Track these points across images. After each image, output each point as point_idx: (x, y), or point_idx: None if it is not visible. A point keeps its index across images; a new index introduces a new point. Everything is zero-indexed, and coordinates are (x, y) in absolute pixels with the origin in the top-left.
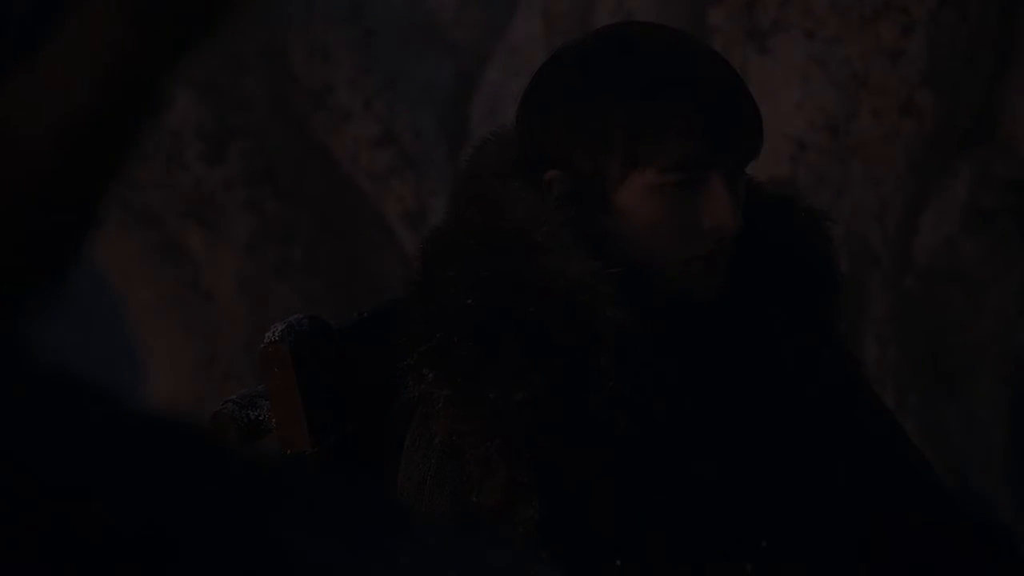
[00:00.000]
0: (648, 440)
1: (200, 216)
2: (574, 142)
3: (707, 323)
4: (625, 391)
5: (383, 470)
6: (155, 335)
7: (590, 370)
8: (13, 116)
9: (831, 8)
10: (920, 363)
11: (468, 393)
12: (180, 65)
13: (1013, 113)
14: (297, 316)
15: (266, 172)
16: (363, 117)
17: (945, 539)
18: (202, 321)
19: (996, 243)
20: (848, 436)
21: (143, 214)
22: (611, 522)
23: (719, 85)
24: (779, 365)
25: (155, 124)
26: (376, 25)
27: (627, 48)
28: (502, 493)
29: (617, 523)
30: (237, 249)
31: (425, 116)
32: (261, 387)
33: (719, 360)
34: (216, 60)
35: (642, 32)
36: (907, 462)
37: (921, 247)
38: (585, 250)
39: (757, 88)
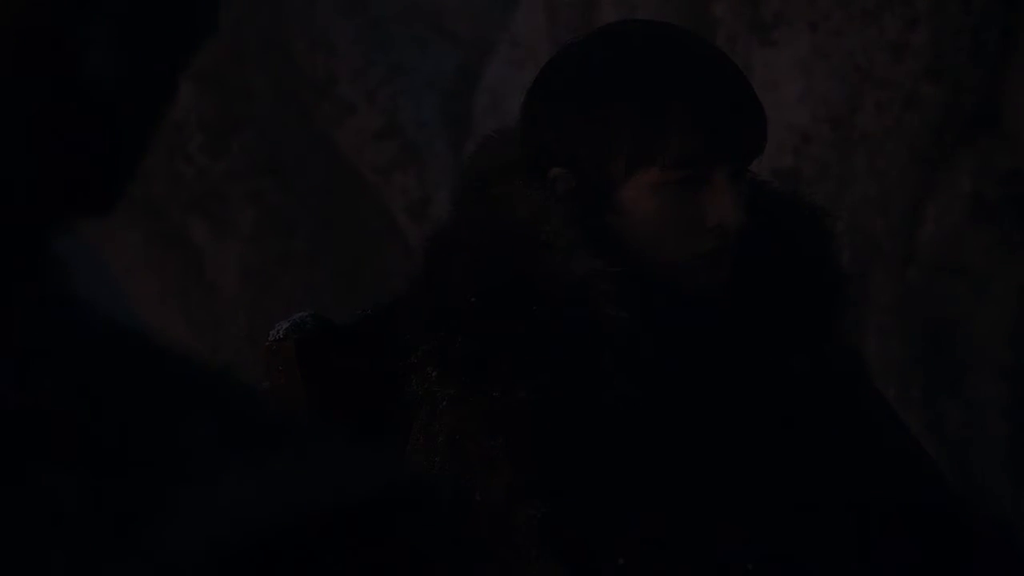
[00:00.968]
0: (651, 438)
1: (203, 207)
2: (578, 140)
3: (710, 319)
4: (629, 390)
5: None
6: (159, 326)
7: (594, 369)
8: None
9: (835, 1)
10: (923, 355)
11: (471, 392)
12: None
13: (1017, 105)
14: (301, 314)
15: (269, 164)
16: (367, 109)
17: (947, 536)
18: (205, 312)
19: (999, 235)
20: (850, 433)
21: (146, 205)
22: (614, 521)
23: (723, 83)
24: (782, 362)
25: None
26: (379, 17)
27: (631, 46)
28: (505, 492)
29: (620, 522)
30: (240, 240)
31: (428, 108)
32: (265, 384)
33: (722, 357)
34: (219, 52)
35: (646, 30)
36: (909, 458)
37: (924, 239)
38: (589, 248)
39: (760, 80)
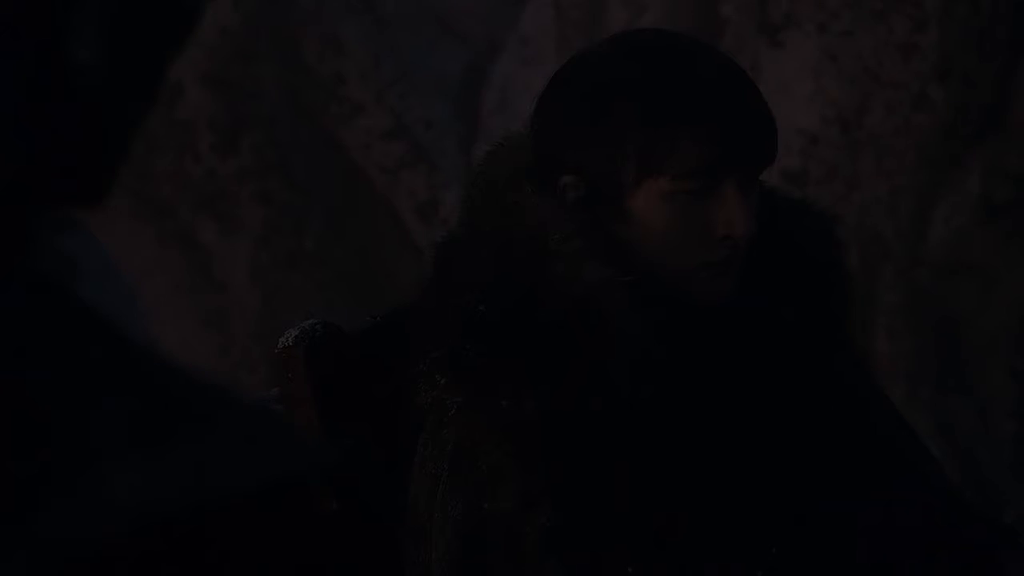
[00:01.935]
0: (660, 447)
1: (212, 207)
2: (588, 148)
3: (718, 327)
4: (637, 399)
5: (396, 475)
6: (168, 325)
7: (602, 378)
8: None
9: (843, 2)
10: (931, 356)
11: (480, 400)
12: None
13: None
14: (311, 321)
15: (278, 163)
16: (375, 109)
17: (951, 541)
18: (214, 311)
19: (1008, 235)
20: (857, 438)
21: (156, 205)
22: (623, 530)
23: (735, 94)
24: (790, 369)
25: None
26: (387, 16)
27: (643, 54)
28: (514, 500)
29: (629, 531)
30: (249, 239)
31: (437, 108)
32: (275, 391)
33: (731, 364)
34: (228, 52)
35: (657, 38)
36: (915, 464)
37: (933, 240)
38: (598, 256)
39: (769, 81)
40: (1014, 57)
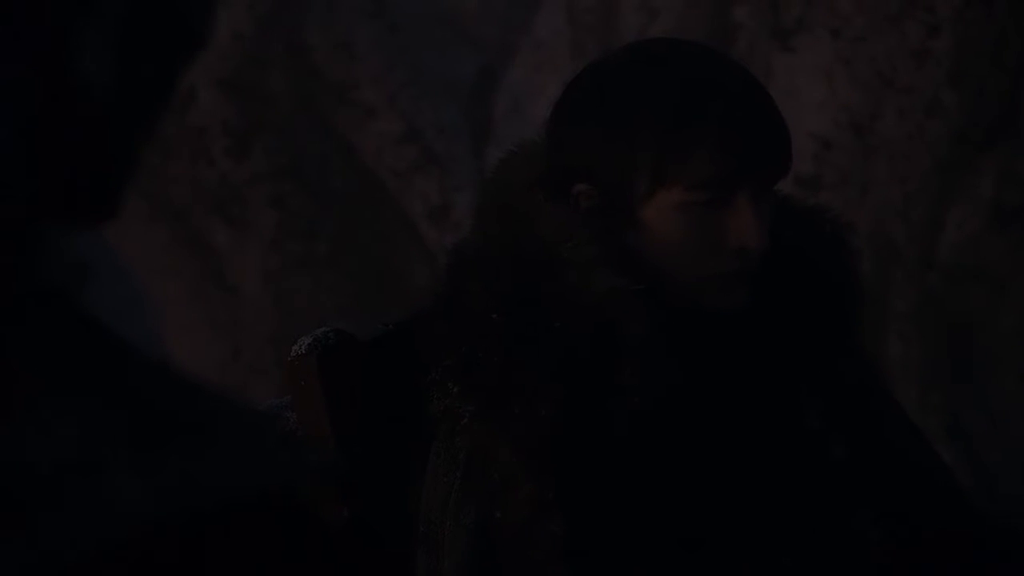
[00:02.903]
0: (671, 455)
1: (225, 210)
2: (602, 156)
3: (730, 336)
4: (649, 407)
5: (407, 483)
6: (180, 328)
7: (615, 386)
8: None
9: (856, 7)
10: (943, 360)
11: (493, 408)
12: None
13: None
14: (324, 329)
15: (291, 168)
16: (387, 113)
17: (963, 549)
18: (227, 315)
19: (1020, 240)
20: (869, 448)
21: (169, 209)
22: (635, 539)
23: (749, 106)
24: (801, 377)
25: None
26: (400, 20)
27: (659, 64)
28: (526, 509)
29: (641, 540)
30: (262, 244)
31: (449, 112)
32: (287, 398)
33: (741, 374)
34: (241, 57)
35: (673, 48)
36: (928, 473)
37: (945, 245)
38: (611, 265)
39: (781, 87)
40: None
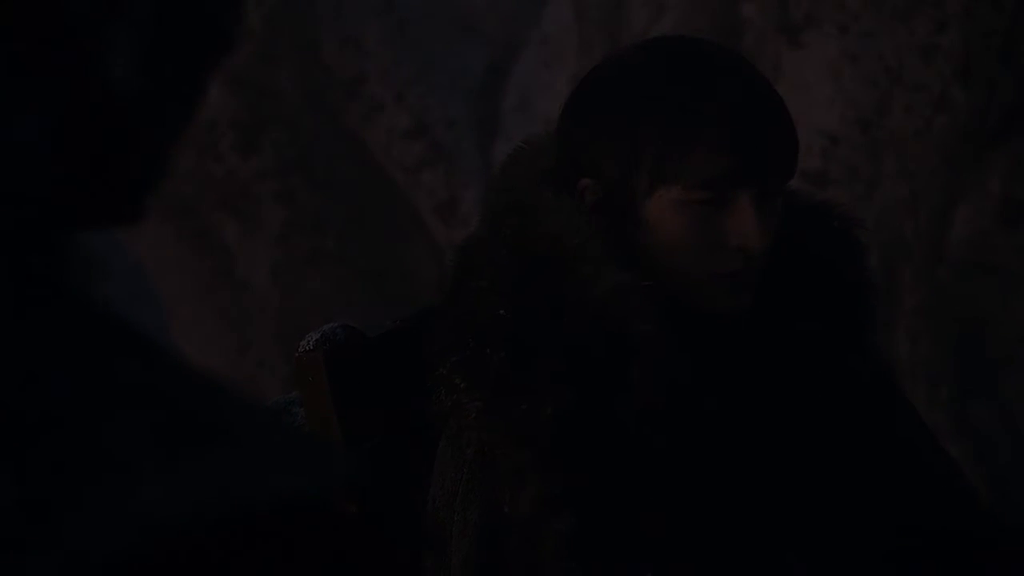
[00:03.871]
0: (679, 453)
1: (233, 206)
2: (606, 152)
3: (737, 335)
4: (656, 403)
5: (415, 479)
6: (188, 323)
7: (622, 382)
8: None
9: (864, 3)
10: (952, 356)
11: (500, 404)
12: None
13: None
14: (332, 325)
15: (299, 163)
16: (395, 108)
17: (974, 550)
18: (235, 309)
19: None
20: (880, 447)
21: (177, 204)
22: (642, 536)
23: (754, 106)
24: (811, 376)
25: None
26: (408, 16)
27: (667, 62)
28: (534, 505)
29: (648, 535)
30: (270, 239)
31: (457, 107)
32: (295, 394)
33: (750, 372)
34: (249, 52)
35: (684, 46)
36: (939, 473)
37: (954, 241)
38: (618, 261)
39: (789, 82)
40: None
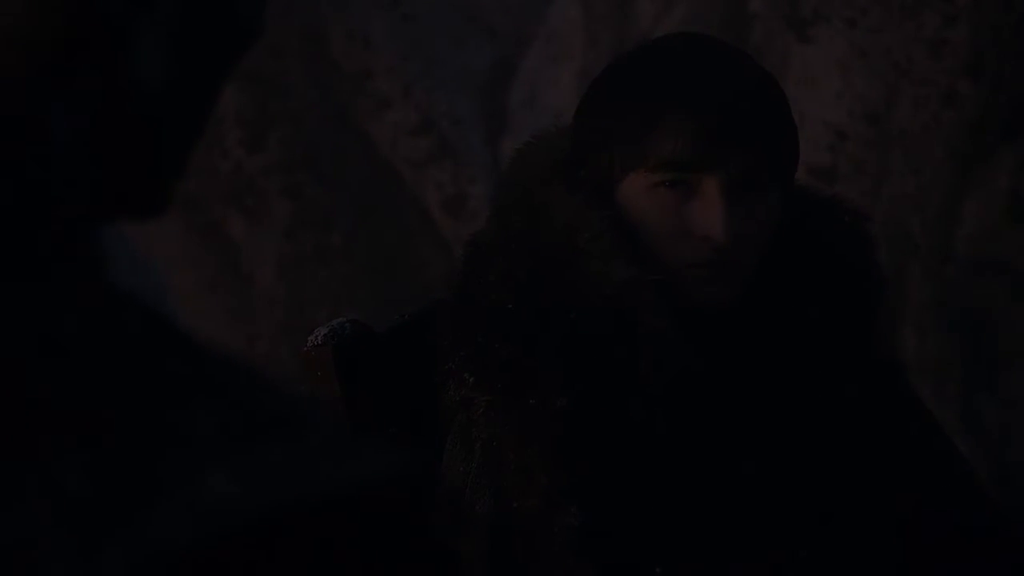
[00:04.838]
0: (687, 447)
1: (240, 201)
2: (592, 142)
3: (740, 327)
4: (667, 397)
5: None
6: (196, 318)
7: (631, 376)
8: None
9: None
10: (960, 352)
11: (508, 398)
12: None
13: None
14: (339, 320)
15: (306, 158)
16: (402, 104)
17: (984, 548)
18: (242, 304)
19: None
20: (886, 440)
21: (184, 199)
22: (651, 530)
23: (728, 93)
24: (817, 369)
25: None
26: (415, 11)
27: (659, 56)
28: (542, 499)
29: (656, 530)
30: (277, 234)
31: (464, 103)
32: (303, 389)
33: (756, 365)
34: (257, 47)
35: (683, 43)
36: (947, 466)
37: (962, 236)
38: (626, 256)
39: (797, 77)
40: None
